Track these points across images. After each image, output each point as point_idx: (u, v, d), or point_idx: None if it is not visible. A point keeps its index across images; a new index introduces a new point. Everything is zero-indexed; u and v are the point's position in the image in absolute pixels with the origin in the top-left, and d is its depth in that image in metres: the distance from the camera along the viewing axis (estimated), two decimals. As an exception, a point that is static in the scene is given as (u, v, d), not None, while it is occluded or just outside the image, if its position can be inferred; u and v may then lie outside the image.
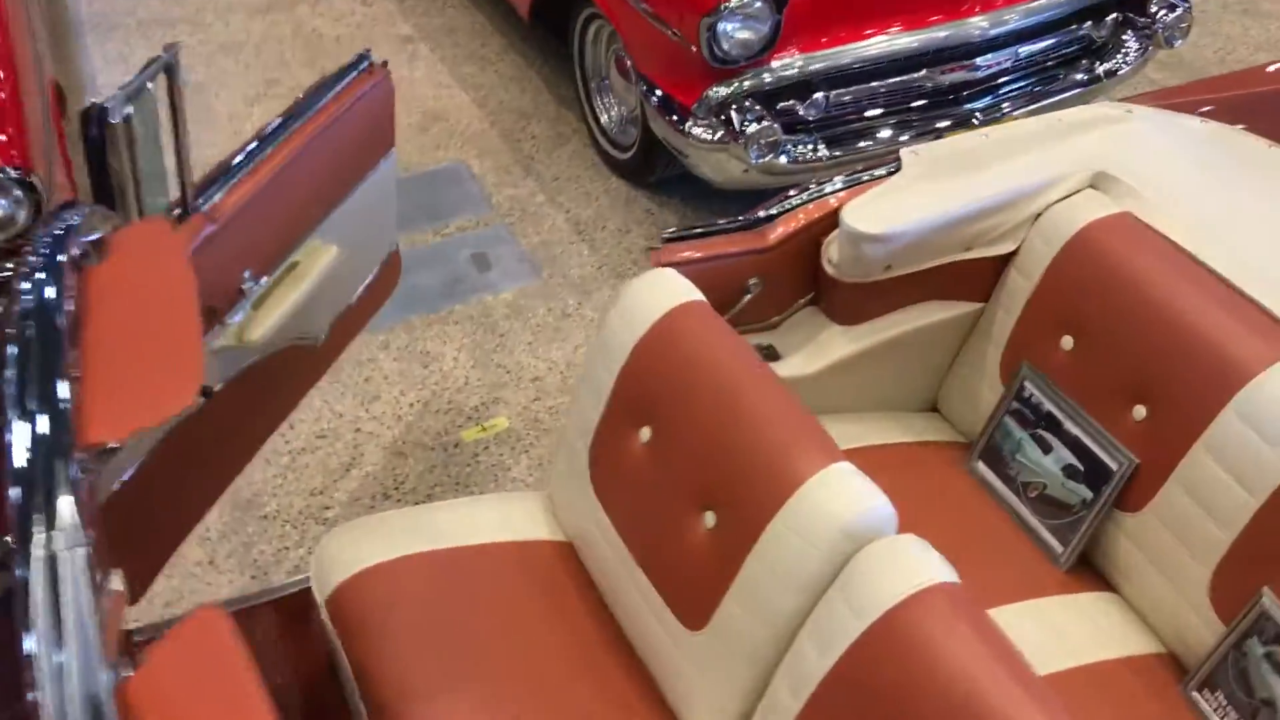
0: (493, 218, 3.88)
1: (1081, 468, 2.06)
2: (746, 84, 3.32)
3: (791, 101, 3.40)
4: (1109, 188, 2.18)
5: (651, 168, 3.80)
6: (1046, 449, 2.13)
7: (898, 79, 3.50)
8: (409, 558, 1.97)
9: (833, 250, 2.16)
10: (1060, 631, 1.97)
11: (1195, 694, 1.89)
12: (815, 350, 2.28)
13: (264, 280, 2.20)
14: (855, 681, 1.48)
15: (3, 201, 2.67)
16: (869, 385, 2.35)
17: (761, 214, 2.20)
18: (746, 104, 3.33)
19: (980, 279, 2.27)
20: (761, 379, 1.76)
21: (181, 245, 1.61)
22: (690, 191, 3.90)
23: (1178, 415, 1.93)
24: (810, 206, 2.19)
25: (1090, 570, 2.11)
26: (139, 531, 2.16)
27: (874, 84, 3.48)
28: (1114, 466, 2.01)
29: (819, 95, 3.42)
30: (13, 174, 2.68)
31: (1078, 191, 2.19)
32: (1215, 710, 1.86)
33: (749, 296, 2.20)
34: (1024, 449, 2.16)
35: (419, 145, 4.22)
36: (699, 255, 2.12)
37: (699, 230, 2.16)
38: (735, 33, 3.25)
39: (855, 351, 2.27)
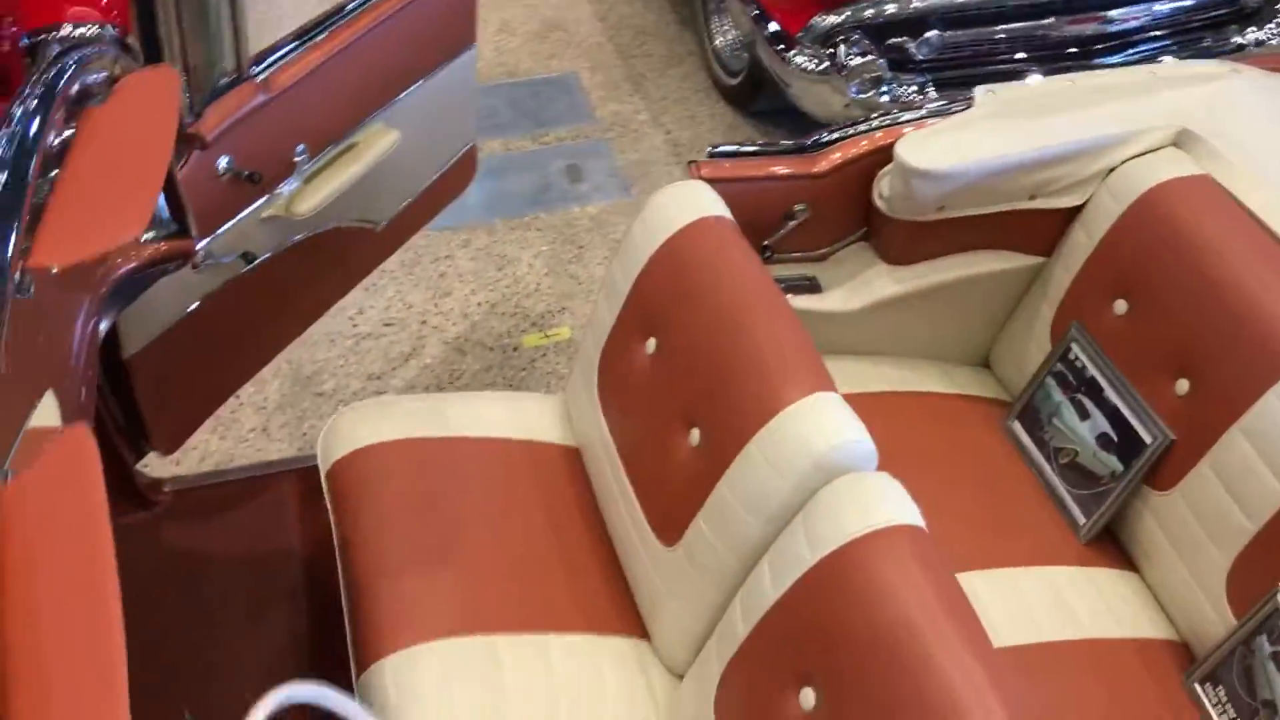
0: (593, 131, 3.86)
1: (1115, 438, 1.95)
2: (855, 15, 3.21)
3: (904, 38, 3.27)
4: (1192, 147, 2.03)
5: (755, 96, 3.72)
6: (1084, 415, 2.02)
7: (1021, 24, 3.33)
8: (412, 440, 1.99)
9: (884, 184, 2.07)
10: (1067, 602, 1.88)
11: (1197, 686, 1.79)
12: (859, 287, 2.21)
13: (318, 157, 2.23)
14: (799, 613, 1.44)
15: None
16: (915, 331, 2.27)
17: (818, 139, 2.12)
18: (854, 36, 3.21)
19: (1044, 232, 2.15)
20: (769, 303, 1.71)
21: (175, 96, 1.62)
22: (796, 125, 3.80)
23: (1220, 394, 1.81)
24: (874, 136, 2.10)
25: (1113, 547, 2.00)
26: (177, 382, 2.23)
27: (995, 28, 3.32)
28: (1148, 440, 1.90)
29: (932, 34, 3.28)
30: (112, 31, 2.76)
31: (1158, 149, 2.05)
32: (1215, 705, 1.76)
33: (794, 223, 2.13)
34: (1061, 413, 2.06)
35: (533, 52, 4.21)
36: (742, 174, 2.06)
37: (748, 149, 2.09)
38: (848, -41, 3.13)
39: (901, 292, 2.18)
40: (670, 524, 1.70)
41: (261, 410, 2.93)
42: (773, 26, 3.34)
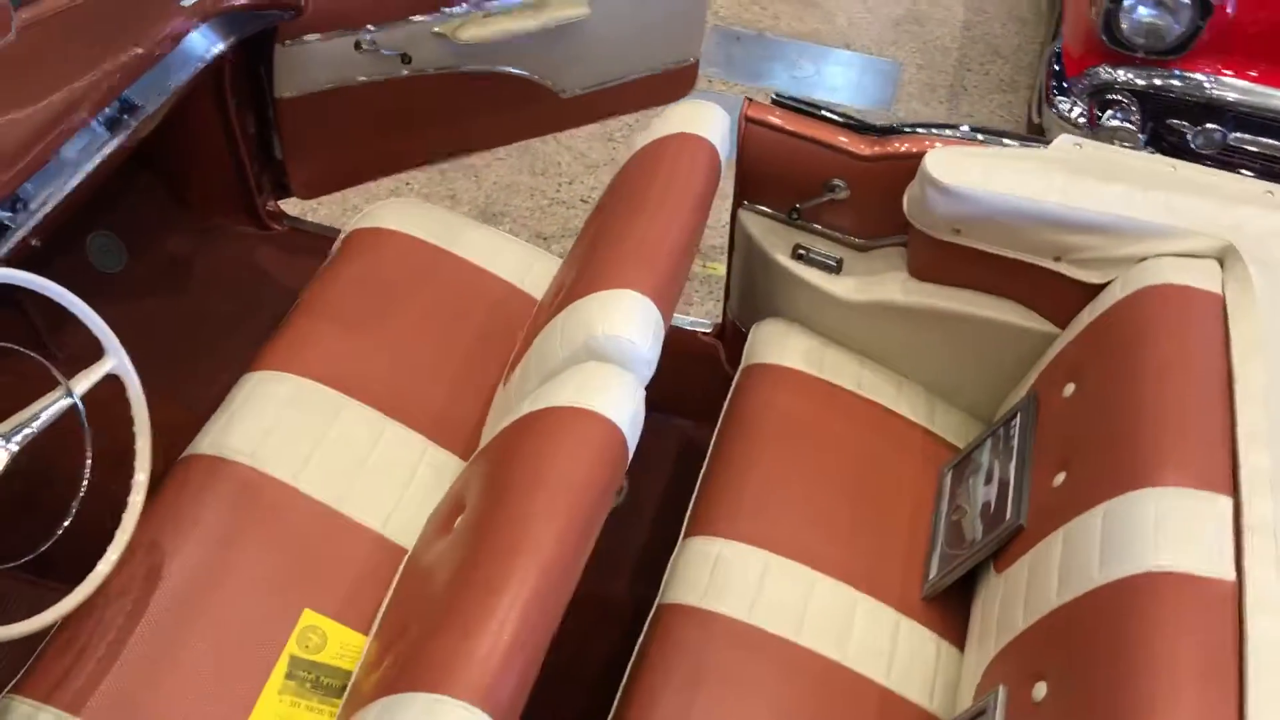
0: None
1: (993, 511, 1.85)
2: (1137, 79, 3.02)
3: (1183, 122, 3.03)
4: (1231, 267, 1.83)
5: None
6: (988, 481, 1.92)
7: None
8: (417, 240, 2.25)
9: (911, 187, 2.04)
10: (852, 627, 1.82)
11: (914, 763, 1.70)
12: (871, 283, 2.19)
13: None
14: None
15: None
16: (921, 355, 2.21)
17: (887, 126, 2.12)
18: (1127, 101, 3.03)
19: (1065, 301, 2.02)
20: (669, 208, 1.79)
21: None
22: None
23: (1072, 495, 1.67)
24: (932, 140, 2.07)
25: (953, 615, 1.90)
26: (321, 140, 2.61)
27: (1292, 145, 3.00)
28: (1005, 520, 1.79)
29: (1217, 129, 3.01)
30: None
31: (1197, 256, 1.87)
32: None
33: (830, 197, 2.15)
34: (978, 474, 1.96)
35: (877, 36, 4.26)
36: (788, 127, 2.11)
37: (809, 107, 2.13)
38: (1143, 17, 2.94)
39: (905, 303, 2.14)
40: (508, 369, 1.87)
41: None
42: (1056, 67, 3.20)
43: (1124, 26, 2.95)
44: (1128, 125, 2.98)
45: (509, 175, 3.51)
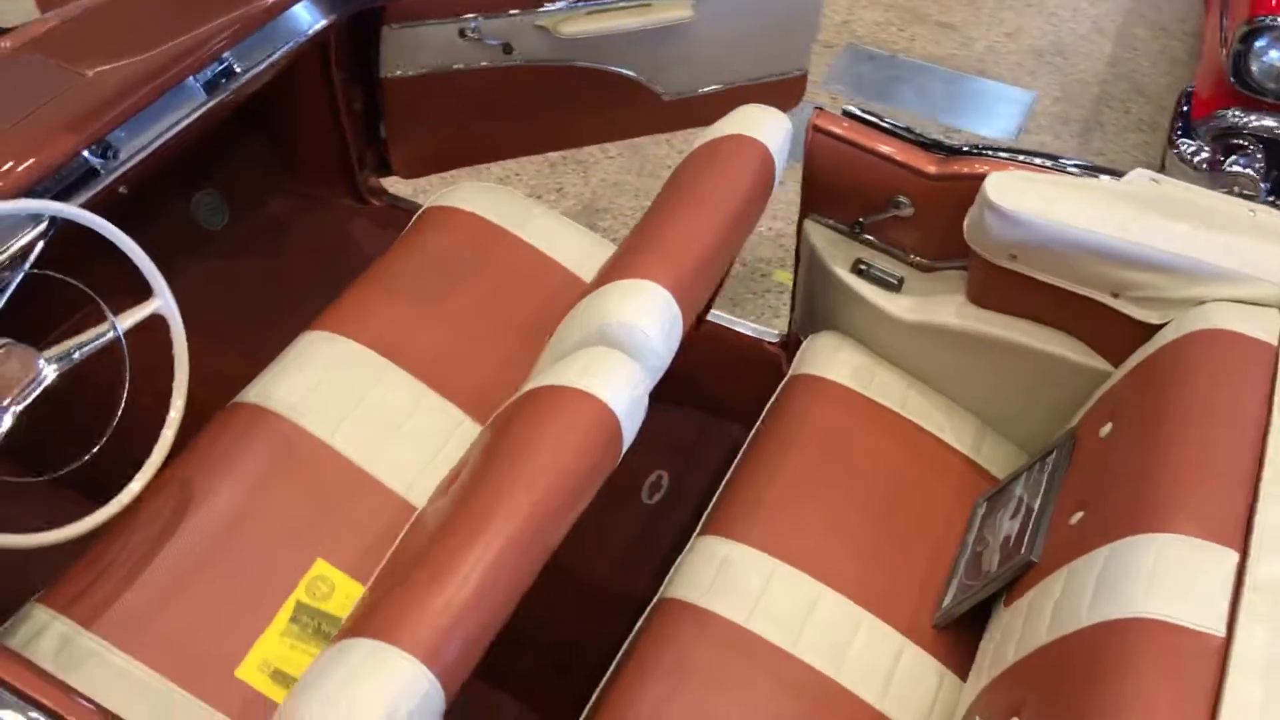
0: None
1: (1012, 544, 1.80)
2: (1265, 125, 2.88)
3: (1313, 173, 2.89)
4: (1293, 316, 1.74)
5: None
6: (1015, 514, 1.87)
7: None
8: (486, 222, 2.32)
9: (972, 209, 2.00)
10: (850, 645, 1.80)
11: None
12: (926, 305, 2.15)
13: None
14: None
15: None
16: (973, 381, 2.16)
17: (961, 146, 2.09)
18: (1254, 148, 2.90)
19: (1122, 340, 1.95)
20: (708, 208, 1.81)
21: None
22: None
23: (1084, 534, 1.62)
24: (1001, 163, 2.03)
25: (964, 647, 1.85)
26: (422, 121, 2.72)
27: None
28: (1019, 554, 1.74)
29: (1350, 184, 2.85)
30: None
31: (1259, 304, 1.78)
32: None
33: (895, 213, 2.12)
34: (1007, 507, 1.91)
35: (1015, 64, 4.16)
36: (854, 138, 2.10)
37: (878, 121, 2.11)
38: (1275, 61, 2.81)
39: (959, 328, 2.10)
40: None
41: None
42: (1184, 109, 3.08)
43: (1254, 69, 2.82)
44: (1250, 172, 2.84)
45: (616, 174, 3.56)
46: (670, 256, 1.73)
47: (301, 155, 2.75)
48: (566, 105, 2.79)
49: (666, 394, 2.55)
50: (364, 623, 1.32)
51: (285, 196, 2.77)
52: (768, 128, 1.97)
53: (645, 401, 1.61)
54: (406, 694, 1.23)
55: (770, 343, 2.54)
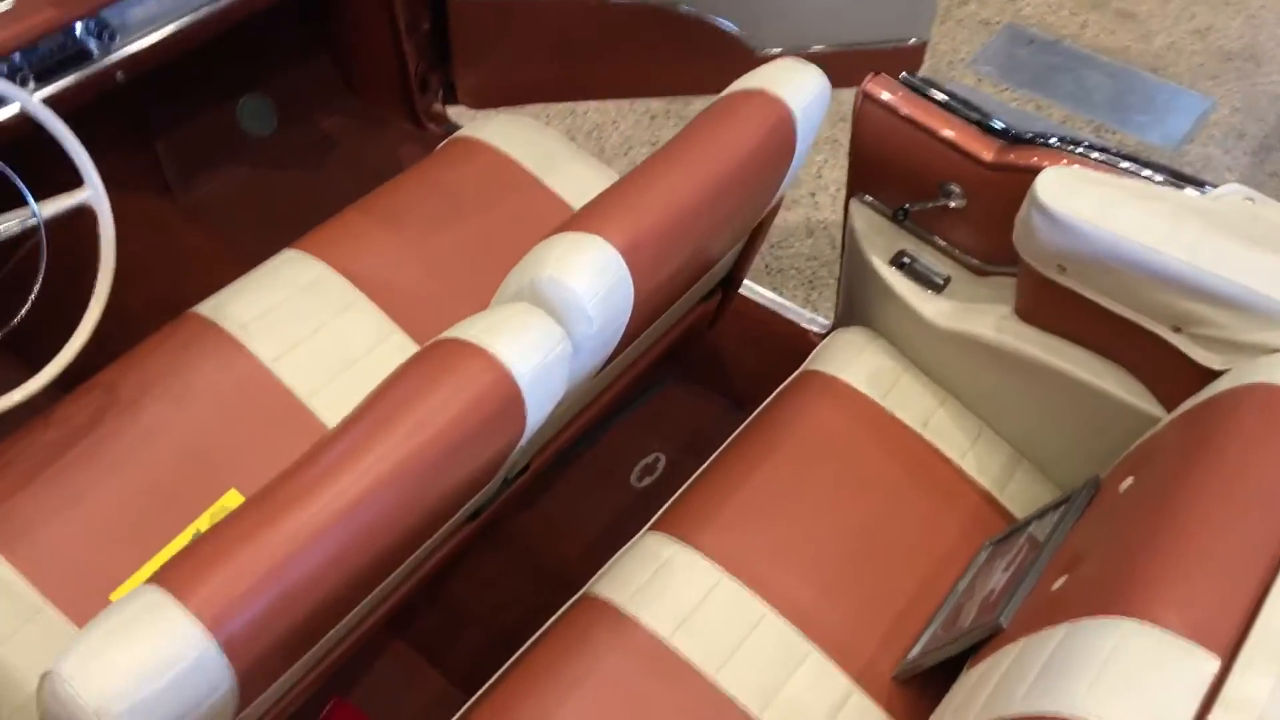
0: (1151, 153, 3.38)
1: (992, 601, 1.53)
2: None
3: None
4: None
5: None
6: (1008, 567, 1.59)
7: None
8: (508, 160, 2.14)
9: (1022, 208, 1.71)
10: (790, 688, 1.57)
11: None
12: (967, 311, 1.87)
13: None
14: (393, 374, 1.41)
15: None
16: (1003, 403, 1.88)
17: (1026, 134, 1.79)
18: None
19: (1183, 383, 1.63)
20: (694, 164, 1.58)
21: None
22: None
23: (1055, 603, 1.34)
24: (1069, 155, 1.73)
25: (924, 706, 1.60)
26: (490, 51, 2.57)
27: None
28: (989, 616, 1.47)
29: None
30: None
31: (1341, 359, 1.45)
32: None
33: (945, 202, 1.85)
34: (1006, 556, 1.63)
35: (1197, 67, 3.72)
36: (906, 112, 1.83)
37: (940, 96, 1.84)
38: None
39: (996, 343, 1.81)
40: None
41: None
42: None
43: None
44: None
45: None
46: (631, 212, 1.51)
47: (359, 72, 2.64)
48: (648, 51, 2.60)
49: (683, 370, 2.34)
50: (165, 569, 1.18)
51: (340, 114, 2.66)
52: (795, 85, 1.72)
53: (564, 371, 1.42)
54: (178, 659, 1.09)
55: (816, 333, 2.29)
